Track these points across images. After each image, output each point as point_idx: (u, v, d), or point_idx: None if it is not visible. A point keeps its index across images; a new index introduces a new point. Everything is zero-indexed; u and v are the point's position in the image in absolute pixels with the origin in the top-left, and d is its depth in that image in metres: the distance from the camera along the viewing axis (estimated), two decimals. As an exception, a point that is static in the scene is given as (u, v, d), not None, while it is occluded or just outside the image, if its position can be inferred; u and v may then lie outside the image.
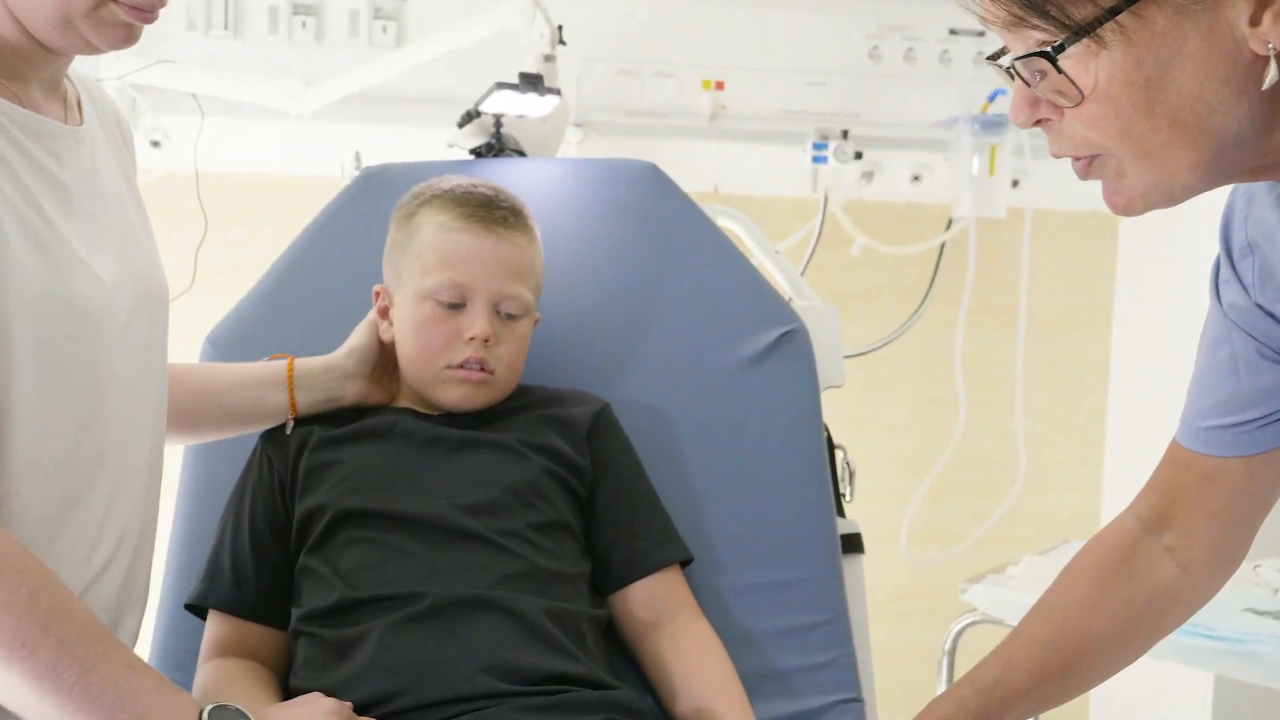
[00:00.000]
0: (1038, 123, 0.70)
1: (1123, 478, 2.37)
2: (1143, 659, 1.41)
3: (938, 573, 2.18)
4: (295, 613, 1.04)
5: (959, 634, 1.59)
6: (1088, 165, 0.70)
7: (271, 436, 1.14)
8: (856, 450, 2.20)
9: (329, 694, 0.93)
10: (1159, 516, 0.91)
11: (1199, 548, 0.89)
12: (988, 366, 2.26)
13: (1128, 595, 0.91)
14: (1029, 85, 0.68)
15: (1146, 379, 2.31)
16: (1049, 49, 0.64)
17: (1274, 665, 1.28)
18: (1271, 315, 0.80)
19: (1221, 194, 0.80)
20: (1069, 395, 2.40)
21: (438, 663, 0.94)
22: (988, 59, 0.74)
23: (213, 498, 1.18)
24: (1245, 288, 0.80)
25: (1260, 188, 0.76)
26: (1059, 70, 0.64)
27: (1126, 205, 0.69)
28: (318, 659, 0.99)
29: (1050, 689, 0.93)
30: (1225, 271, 0.83)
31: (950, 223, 2.22)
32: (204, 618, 1.08)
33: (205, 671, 1.04)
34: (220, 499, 1.15)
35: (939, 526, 2.24)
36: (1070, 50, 0.64)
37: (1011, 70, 0.68)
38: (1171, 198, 0.69)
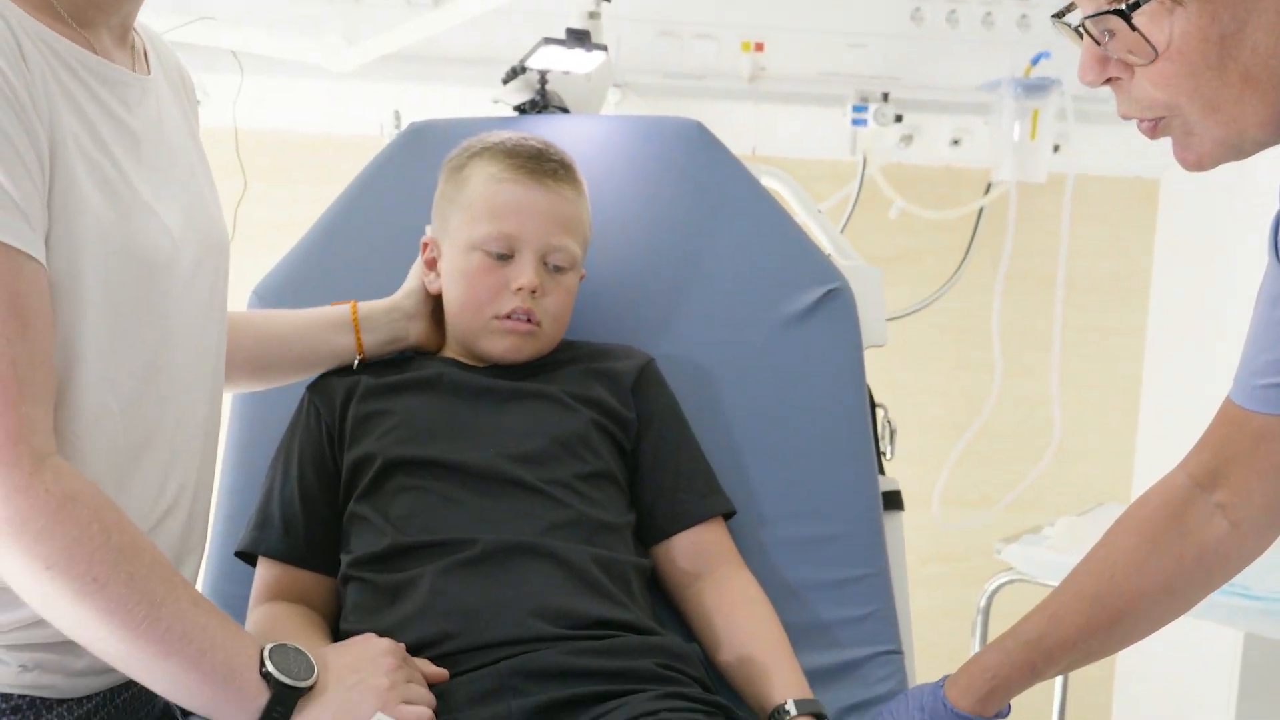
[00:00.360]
0: (1107, 82, 0.70)
1: (1156, 445, 2.36)
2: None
3: (968, 537, 2.19)
4: (345, 558, 1.06)
5: (994, 593, 1.60)
6: (1154, 126, 0.70)
7: (318, 387, 1.16)
8: (890, 413, 2.20)
9: (381, 636, 0.95)
10: (1211, 474, 0.91)
11: (1251, 506, 0.89)
12: (1024, 333, 2.25)
13: (1178, 552, 0.91)
14: (1099, 44, 0.67)
15: (1182, 347, 2.29)
16: (1123, 7, 0.64)
17: (1313, 627, 1.28)
18: None
19: (1268, 154, 0.80)
20: (1104, 362, 2.39)
21: (488, 606, 0.96)
22: (1053, 17, 0.73)
23: (261, 448, 1.20)
24: None
25: None
26: (1133, 28, 0.64)
27: (1197, 161, 0.69)
28: (369, 603, 1.01)
29: (1095, 643, 0.94)
30: None
31: (989, 187, 2.20)
32: (254, 564, 1.11)
33: (256, 615, 1.07)
34: (268, 449, 1.17)
35: (971, 491, 2.24)
36: (1145, 8, 0.63)
37: (1081, 29, 0.68)
38: (1241, 151, 0.68)
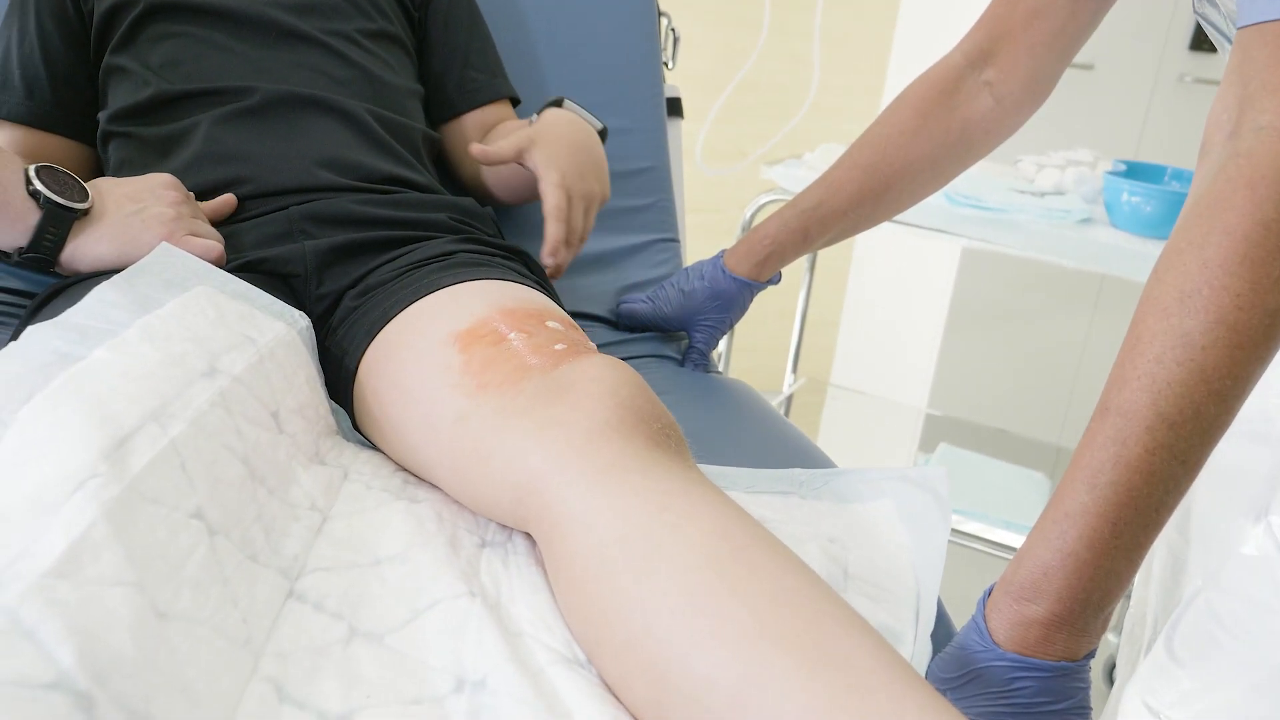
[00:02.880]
0: None
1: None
2: (906, 231, 1.55)
3: (729, 189, 2.28)
4: (105, 115, 0.95)
5: (758, 211, 1.68)
6: None
7: None
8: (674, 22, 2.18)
9: None
10: (983, 53, 0.96)
11: (1015, 81, 0.95)
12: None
13: (945, 124, 0.97)
14: None
15: (933, 15, 2.39)
16: None
17: (1027, 232, 1.44)
18: None
19: None
20: (862, 24, 2.46)
21: (271, 155, 0.89)
22: None
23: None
24: None
25: None
26: None
27: None
28: (137, 159, 0.92)
29: (865, 211, 1.00)
30: None
31: None
32: None
33: None
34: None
35: (730, 144, 2.31)
36: None
37: None
38: None
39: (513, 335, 0.69)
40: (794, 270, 1.91)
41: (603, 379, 0.63)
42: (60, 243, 0.74)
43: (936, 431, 2.29)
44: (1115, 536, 0.56)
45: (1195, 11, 0.80)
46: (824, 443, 2.35)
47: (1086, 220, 1.50)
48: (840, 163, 1.01)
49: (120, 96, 0.94)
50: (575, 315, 1.08)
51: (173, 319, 0.64)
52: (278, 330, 0.71)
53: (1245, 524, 0.85)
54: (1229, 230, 0.56)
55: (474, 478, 0.64)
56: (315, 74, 0.94)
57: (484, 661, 0.53)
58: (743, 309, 1.06)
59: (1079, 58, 2.42)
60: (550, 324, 0.71)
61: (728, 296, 1.03)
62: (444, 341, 0.70)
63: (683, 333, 1.09)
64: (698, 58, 2.31)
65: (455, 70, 1.09)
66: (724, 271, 1.03)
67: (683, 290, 1.05)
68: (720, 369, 1.09)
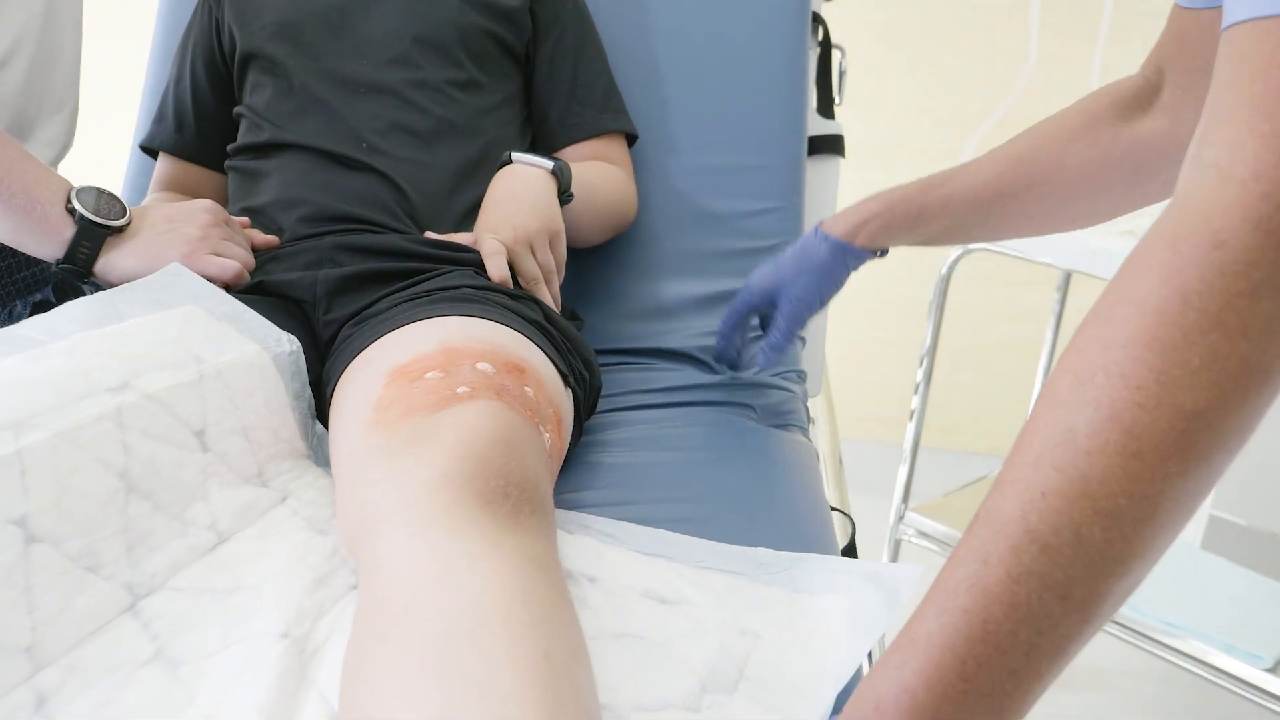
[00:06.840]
0: None
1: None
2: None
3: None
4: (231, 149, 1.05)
5: (955, 261, 1.51)
6: None
7: None
8: (912, 101, 2.08)
9: (248, 213, 0.96)
10: (1160, 72, 0.80)
11: (1191, 105, 0.78)
12: (1065, 20, 2.05)
13: (1113, 133, 0.80)
14: None
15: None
16: None
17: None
18: None
19: None
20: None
21: (330, 194, 0.94)
22: None
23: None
24: None
25: None
26: None
27: None
28: (238, 189, 1.01)
29: (995, 206, 0.84)
30: None
31: None
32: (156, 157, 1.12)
33: (148, 199, 1.08)
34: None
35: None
36: None
37: None
38: None
39: (430, 374, 0.66)
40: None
41: (468, 427, 0.59)
42: (93, 256, 0.81)
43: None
44: (963, 679, 0.43)
45: None
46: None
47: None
48: (993, 150, 0.86)
49: (239, 136, 1.03)
50: (658, 353, 1.03)
51: (117, 335, 0.68)
52: (246, 352, 0.73)
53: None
54: (1138, 301, 0.42)
55: (341, 511, 0.63)
56: (391, 127, 0.97)
57: (248, 714, 0.51)
58: (835, 281, 0.91)
59: None
60: (480, 365, 0.68)
61: (817, 260, 0.89)
62: (380, 376, 0.69)
63: (767, 385, 1.00)
64: (961, 95, 2.15)
65: (559, 104, 1.08)
66: (816, 231, 0.90)
67: (776, 261, 0.94)
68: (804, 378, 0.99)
